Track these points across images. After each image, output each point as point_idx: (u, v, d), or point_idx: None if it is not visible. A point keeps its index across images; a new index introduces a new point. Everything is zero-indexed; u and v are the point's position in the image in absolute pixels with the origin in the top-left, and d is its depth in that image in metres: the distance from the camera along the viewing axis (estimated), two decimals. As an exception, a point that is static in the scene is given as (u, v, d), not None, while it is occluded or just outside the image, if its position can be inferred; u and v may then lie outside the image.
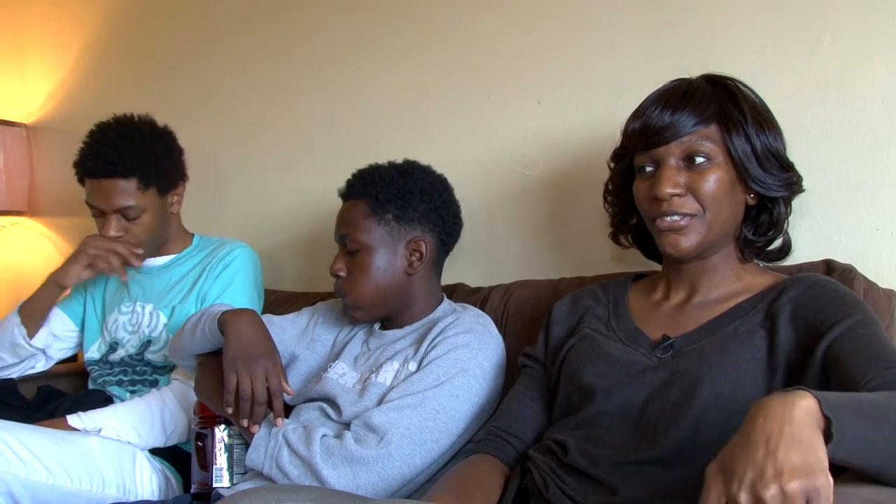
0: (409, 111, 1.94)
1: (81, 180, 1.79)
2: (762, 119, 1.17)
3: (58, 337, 1.92)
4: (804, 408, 0.76)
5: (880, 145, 1.36)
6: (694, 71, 1.23)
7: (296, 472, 1.27)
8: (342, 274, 1.45)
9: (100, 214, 1.77)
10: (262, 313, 1.63)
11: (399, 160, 1.54)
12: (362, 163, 1.55)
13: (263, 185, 2.23)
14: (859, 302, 1.09)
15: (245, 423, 1.34)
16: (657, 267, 1.33)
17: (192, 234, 1.91)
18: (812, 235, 1.40)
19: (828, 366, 1.00)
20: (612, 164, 1.32)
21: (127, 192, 1.74)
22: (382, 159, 1.54)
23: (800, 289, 1.11)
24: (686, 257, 1.18)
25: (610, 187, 1.34)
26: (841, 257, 1.31)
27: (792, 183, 1.20)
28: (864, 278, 1.26)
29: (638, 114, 1.19)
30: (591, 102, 1.65)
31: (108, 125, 1.81)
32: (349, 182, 1.52)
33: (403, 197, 1.45)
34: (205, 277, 1.80)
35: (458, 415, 1.32)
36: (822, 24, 1.41)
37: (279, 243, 2.19)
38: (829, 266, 1.29)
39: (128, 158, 1.75)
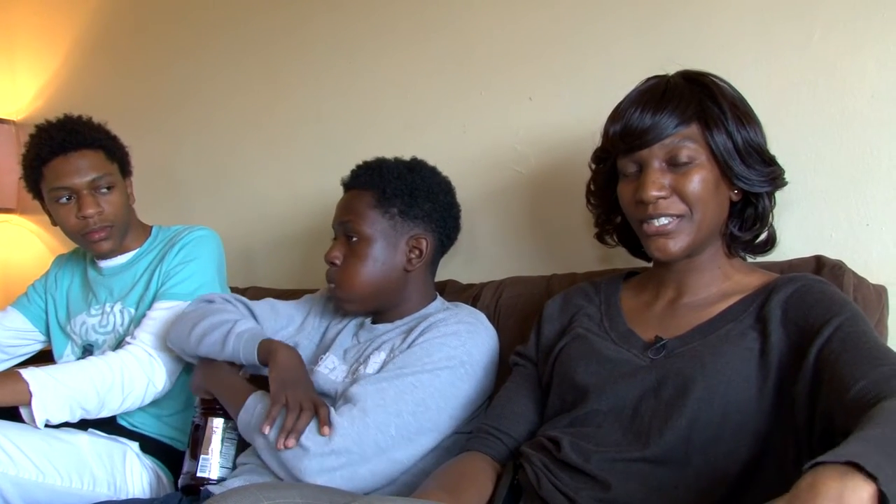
0: (401, 107, 1.94)
1: (39, 169, 1.71)
2: (741, 114, 1.17)
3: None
4: (864, 499, 0.72)
5: (870, 141, 1.36)
6: (684, 66, 1.22)
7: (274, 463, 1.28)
8: (338, 262, 1.45)
9: (69, 197, 1.69)
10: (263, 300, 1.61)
11: (395, 157, 1.53)
12: (354, 159, 1.54)
13: (254, 180, 2.23)
14: (846, 301, 1.10)
15: (279, 435, 1.26)
16: (648, 263, 1.33)
17: (151, 227, 1.85)
18: (802, 231, 1.40)
19: (820, 369, 1.01)
20: (594, 166, 1.31)
21: (98, 161, 1.71)
22: (374, 155, 1.54)
23: (789, 290, 1.11)
24: (674, 261, 1.19)
25: (592, 188, 1.33)
26: (831, 253, 1.31)
27: (775, 177, 1.19)
28: (855, 274, 1.26)
29: (617, 116, 1.18)
30: (582, 98, 1.65)
31: (51, 120, 1.77)
32: (355, 172, 1.51)
33: (411, 193, 1.45)
34: (166, 260, 1.73)
35: (439, 394, 1.32)
36: (812, 19, 1.41)
37: (271, 239, 2.18)
38: (819, 262, 1.29)
39: (91, 130, 1.74)
